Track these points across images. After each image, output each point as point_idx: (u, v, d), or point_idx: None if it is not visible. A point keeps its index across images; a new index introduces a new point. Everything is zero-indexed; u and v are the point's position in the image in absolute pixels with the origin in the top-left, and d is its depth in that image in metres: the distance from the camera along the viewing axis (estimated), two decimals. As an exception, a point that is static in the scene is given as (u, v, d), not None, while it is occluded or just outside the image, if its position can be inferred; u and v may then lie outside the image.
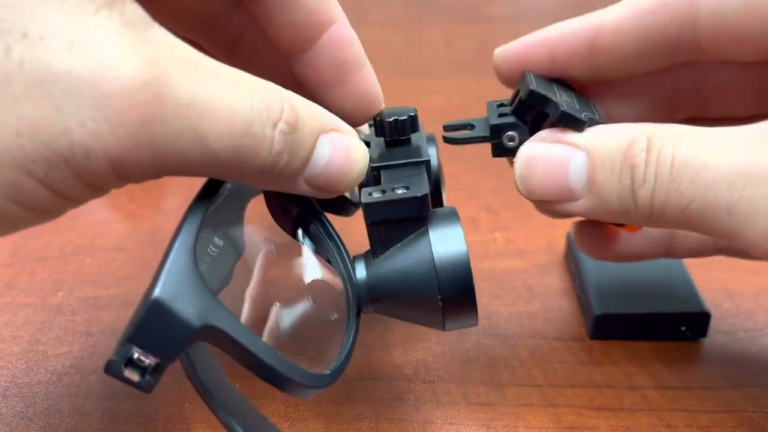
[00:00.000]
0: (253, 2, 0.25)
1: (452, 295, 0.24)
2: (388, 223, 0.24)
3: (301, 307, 0.24)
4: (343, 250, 0.26)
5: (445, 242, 0.24)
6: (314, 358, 0.23)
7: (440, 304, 0.24)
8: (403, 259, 0.24)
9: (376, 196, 0.24)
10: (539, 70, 0.26)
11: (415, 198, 0.24)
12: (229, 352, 0.20)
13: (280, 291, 0.25)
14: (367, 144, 0.27)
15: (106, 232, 0.41)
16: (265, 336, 0.23)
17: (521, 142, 0.25)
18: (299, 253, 0.26)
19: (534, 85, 0.25)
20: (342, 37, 0.25)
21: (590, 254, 0.30)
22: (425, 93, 0.57)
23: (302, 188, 0.22)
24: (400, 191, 0.24)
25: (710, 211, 0.21)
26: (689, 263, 0.35)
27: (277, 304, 0.24)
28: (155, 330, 0.18)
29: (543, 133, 0.25)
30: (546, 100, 0.24)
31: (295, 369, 0.21)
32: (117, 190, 0.20)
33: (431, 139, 0.29)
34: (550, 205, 0.25)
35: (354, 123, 0.25)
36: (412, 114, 0.26)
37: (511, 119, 0.26)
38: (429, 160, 0.26)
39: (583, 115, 0.24)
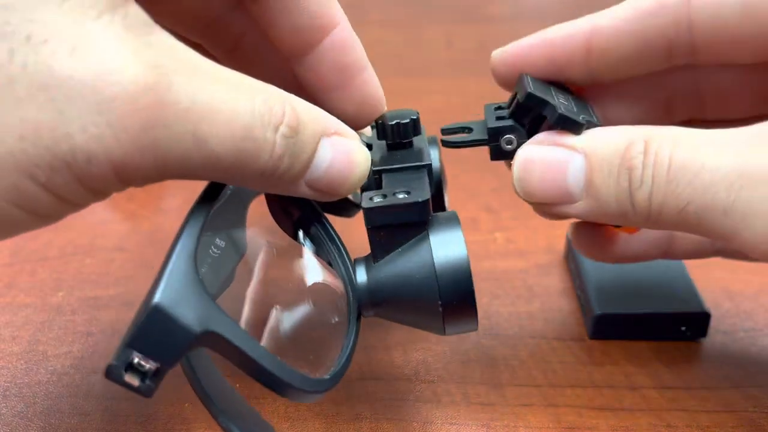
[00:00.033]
0: (255, 4, 0.25)
1: (452, 300, 0.24)
2: (389, 227, 0.24)
3: (302, 310, 0.25)
4: (344, 253, 0.26)
5: (445, 247, 0.24)
6: (314, 362, 0.23)
7: (440, 309, 0.24)
8: (403, 263, 0.24)
9: (377, 200, 0.24)
10: (537, 72, 0.26)
11: (416, 203, 0.24)
12: (229, 358, 0.20)
13: (280, 293, 0.25)
14: (369, 147, 0.27)
15: (106, 232, 0.41)
16: (265, 338, 0.23)
17: (519, 145, 0.25)
18: (300, 255, 0.26)
19: (531, 87, 0.25)
20: (344, 40, 0.25)
21: (588, 256, 0.30)
22: (425, 93, 0.57)
23: (303, 191, 0.22)
24: (401, 196, 0.24)
25: (707, 212, 0.21)
26: (689, 263, 0.35)
27: (278, 306, 0.24)
28: (155, 335, 0.18)
29: (541, 136, 0.25)
30: (544, 103, 0.24)
31: (294, 374, 0.21)
32: (117, 191, 0.20)
33: (433, 142, 0.30)
34: (547, 207, 0.25)
35: (356, 126, 0.25)
36: (414, 117, 0.26)
37: (508, 122, 0.26)
38: (431, 164, 0.26)
39: (580, 118, 0.24)
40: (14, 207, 0.18)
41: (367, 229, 0.24)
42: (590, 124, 0.24)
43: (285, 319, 0.24)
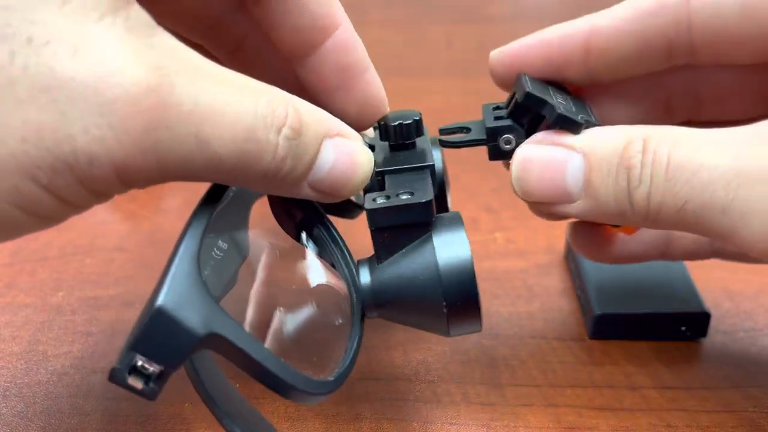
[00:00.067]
0: (256, 6, 0.25)
1: (457, 301, 0.24)
2: (393, 228, 0.24)
3: (305, 312, 0.24)
4: (347, 255, 0.26)
5: (449, 248, 0.24)
6: (317, 364, 0.23)
7: (445, 310, 0.24)
8: (407, 264, 0.24)
9: (381, 201, 0.24)
10: (535, 72, 0.26)
11: (420, 204, 0.24)
12: (233, 360, 0.20)
13: (283, 295, 0.25)
14: (372, 148, 0.27)
15: (106, 232, 0.41)
16: (269, 340, 0.23)
17: (518, 145, 0.25)
18: (303, 257, 0.26)
19: (530, 87, 0.25)
20: (346, 41, 0.25)
21: (586, 256, 0.30)
22: (425, 93, 0.57)
23: (306, 193, 0.22)
24: (404, 197, 0.24)
25: (706, 211, 0.21)
26: (689, 263, 0.35)
27: (281, 308, 0.24)
28: (159, 338, 0.18)
29: (539, 136, 0.25)
30: (542, 103, 0.24)
31: (298, 376, 0.21)
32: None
33: (436, 143, 0.30)
34: (546, 206, 0.25)
35: (359, 127, 0.25)
36: (417, 118, 0.26)
37: (507, 122, 0.26)
38: (434, 165, 0.26)
39: (579, 118, 0.24)
40: (16, 209, 0.18)
41: (371, 231, 0.24)
42: (589, 124, 0.24)
43: (288, 321, 0.24)
